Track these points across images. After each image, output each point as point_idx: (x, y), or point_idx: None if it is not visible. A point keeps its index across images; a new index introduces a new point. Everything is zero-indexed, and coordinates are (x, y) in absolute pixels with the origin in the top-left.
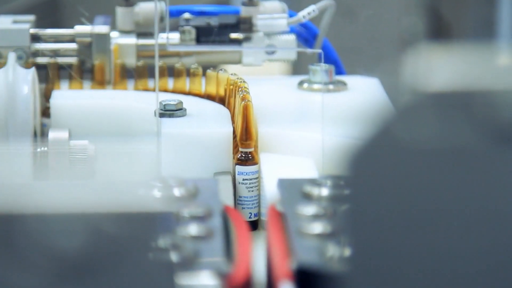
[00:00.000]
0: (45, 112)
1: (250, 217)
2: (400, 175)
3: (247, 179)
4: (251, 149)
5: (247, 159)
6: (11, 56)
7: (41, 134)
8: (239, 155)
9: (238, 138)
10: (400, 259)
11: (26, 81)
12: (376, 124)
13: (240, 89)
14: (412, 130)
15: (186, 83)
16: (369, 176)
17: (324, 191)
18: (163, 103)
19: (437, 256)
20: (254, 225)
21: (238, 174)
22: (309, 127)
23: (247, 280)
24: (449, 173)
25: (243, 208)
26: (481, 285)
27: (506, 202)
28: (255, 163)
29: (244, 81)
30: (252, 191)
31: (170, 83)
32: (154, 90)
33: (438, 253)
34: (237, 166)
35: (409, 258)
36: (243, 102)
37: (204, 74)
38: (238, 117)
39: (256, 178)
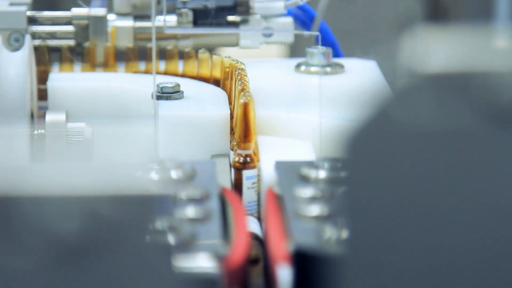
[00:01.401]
0: (42, 94)
1: None
2: (397, 158)
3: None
4: (250, 151)
5: (245, 162)
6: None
7: (38, 116)
8: (237, 158)
9: (236, 138)
10: (397, 241)
11: (17, 64)
12: (374, 106)
13: (239, 78)
14: (410, 112)
15: (178, 65)
16: (367, 158)
17: (322, 174)
18: (160, 86)
19: (435, 239)
20: None
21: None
22: (307, 109)
23: (244, 262)
24: (447, 155)
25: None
26: (479, 269)
27: (504, 184)
28: (254, 166)
29: (241, 63)
30: (256, 194)
31: (161, 65)
32: (144, 72)
33: (435, 236)
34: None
35: (406, 241)
36: (242, 100)
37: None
38: (238, 117)
39: (255, 182)
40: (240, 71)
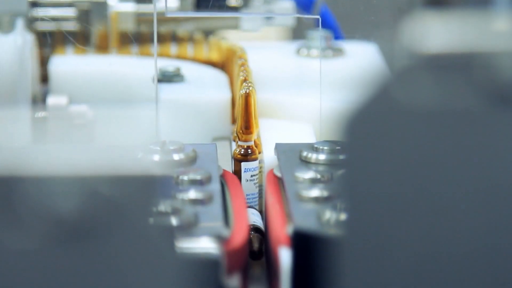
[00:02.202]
0: (43, 78)
1: None
2: (397, 139)
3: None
4: (251, 143)
5: (246, 154)
6: (20, 22)
7: (39, 99)
8: (238, 149)
9: (237, 129)
10: (396, 223)
11: (14, 47)
12: (373, 88)
13: (241, 69)
14: (410, 93)
15: (187, 50)
16: (366, 140)
17: (322, 156)
18: (161, 69)
19: (435, 221)
20: None
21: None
22: (307, 92)
23: (245, 245)
24: (447, 135)
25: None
26: (480, 251)
27: (506, 164)
28: (255, 158)
29: (239, 46)
30: (256, 187)
31: (173, 49)
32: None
33: (435, 218)
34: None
35: (406, 222)
36: (244, 91)
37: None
38: (239, 108)
39: (257, 174)
40: (242, 61)
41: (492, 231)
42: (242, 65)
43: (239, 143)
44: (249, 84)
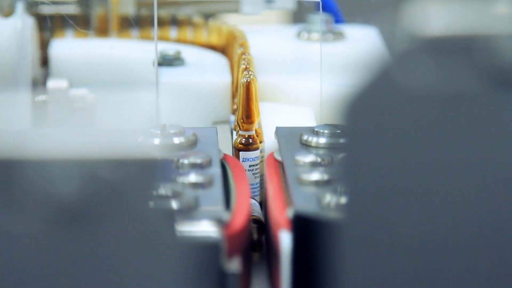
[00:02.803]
0: (43, 61)
1: None
2: (398, 122)
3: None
4: (252, 132)
5: (247, 144)
6: (20, 6)
7: (40, 83)
8: (239, 139)
9: (238, 118)
10: (396, 206)
11: (14, 31)
12: (374, 71)
13: (242, 58)
14: (410, 76)
15: (187, 33)
16: (367, 123)
17: (322, 140)
18: (162, 53)
19: (435, 204)
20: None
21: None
22: (308, 76)
23: (246, 229)
24: (448, 118)
25: None
26: (480, 234)
27: (506, 147)
28: (256, 148)
29: (241, 32)
30: (256, 177)
31: (173, 32)
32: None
33: (435, 202)
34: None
35: (406, 206)
36: (244, 80)
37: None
38: (240, 97)
39: (258, 164)
40: (243, 50)
41: (493, 214)
42: (243, 53)
43: (240, 132)
44: (250, 73)
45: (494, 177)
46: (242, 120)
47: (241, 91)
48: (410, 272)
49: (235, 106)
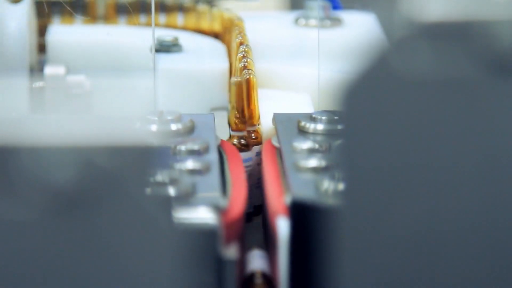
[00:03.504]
0: (41, 47)
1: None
2: (396, 108)
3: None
4: (243, 133)
5: (241, 145)
6: None
7: (37, 69)
8: (234, 140)
9: (232, 117)
10: (394, 193)
11: (15, 17)
12: (371, 57)
13: (243, 55)
14: (408, 62)
15: (177, 19)
16: (365, 109)
17: (320, 126)
18: (159, 39)
19: (434, 190)
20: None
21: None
22: (305, 63)
23: (242, 216)
24: (446, 104)
25: None
26: (479, 222)
27: (504, 133)
28: (248, 150)
29: (239, 18)
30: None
31: (162, 18)
32: (146, 25)
33: (434, 188)
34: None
35: (404, 192)
36: (244, 77)
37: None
38: (234, 95)
39: (249, 165)
40: (244, 47)
41: (490, 198)
42: (243, 51)
43: (232, 133)
44: (250, 72)
45: (492, 162)
46: (236, 120)
47: (233, 90)
48: (407, 258)
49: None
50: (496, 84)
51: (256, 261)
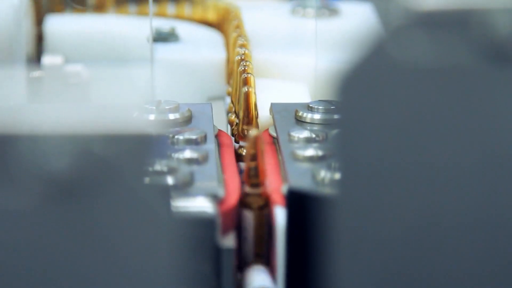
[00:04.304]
0: (38, 37)
1: None
2: (393, 97)
3: None
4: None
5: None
6: None
7: (35, 59)
8: (240, 149)
9: (239, 127)
10: (391, 182)
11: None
12: (369, 47)
13: (242, 63)
14: (406, 51)
15: (185, 9)
16: (362, 99)
17: (317, 116)
18: (157, 29)
19: (430, 179)
20: None
21: None
22: (302, 52)
23: (237, 205)
24: (443, 93)
25: None
26: (478, 210)
27: (502, 121)
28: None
29: (236, 8)
30: None
31: (171, 8)
32: (136, 15)
33: (431, 177)
34: None
35: (400, 181)
36: (242, 76)
37: None
38: (241, 103)
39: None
40: (244, 56)
41: (487, 184)
42: (244, 56)
43: (241, 143)
44: (247, 63)
45: (489, 151)
46: (243, 131)
47: (241, 100)
48: (403, 246)
49: (229, 89)
50: (493, 72)
51: (257, 277)
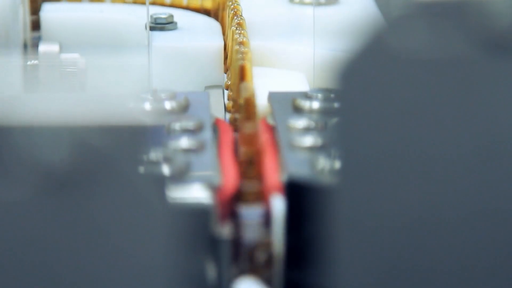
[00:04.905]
0: (35, 25)
1: None
2: (391, 86)
3: None
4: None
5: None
6: None
7: (31, 47)
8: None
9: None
10: (390, 171)
11: None
12: (367, 35)
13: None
14: (405, 40)
15: None
16: (361, 88)
17: (315, 104)
18: (154, 17)
19: (430, 169)
20: None
21: None
22: (300, 40)
23: (234, 194)
24: (442, 82)
25: None
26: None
27: (499, 111)
28: None
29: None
30: None
31: None
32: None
33: (430, 167)
34: None
35: (399, 170)
36: (239, 62)
37: None
38: (235, 82)
39: None
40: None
41: (485, 174)
42: (239, 25)
43: (235, 115)
44: (244, 49)
45: (488, 140)
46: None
47: (236, 75)
48: (402, 236)
49: (228, 82)
50: (492, 63)
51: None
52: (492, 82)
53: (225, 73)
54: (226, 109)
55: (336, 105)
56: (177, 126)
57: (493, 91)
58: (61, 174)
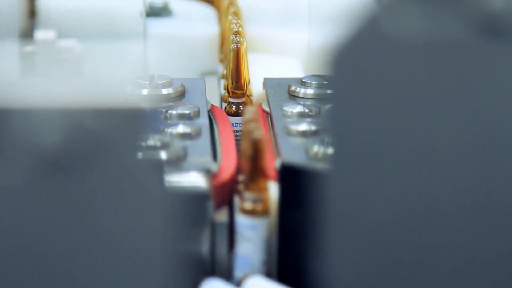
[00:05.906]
0: (31, 12)
1: None
2: (386, 71)
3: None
4: (242, 99)
5: (238, 110)
6: None
7: (28, 34)
8: (230, 106)
9: (228, 85)
10: (383, 157)
11: None
12: (362, 21)
13: (234, 20)
14: (399, 25)
15: None
16: (355, 73)
17: (310, 91)
18: (149, 4)
19: (423, 154)
20: None
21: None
22: (296, 27)
23: (233, 179)
24: (436, 66)
25: None
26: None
27: (494, 94)
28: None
29: None
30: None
31: None
32: None
33: (424, 151)
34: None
35: (393, 155)
36: (235, 46)
37: None
38: (229, 63)
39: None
40: (235, 8)
41: (480, 157)
42: (235, 14)
43: (230, 99)
44: (240, 39)
45: (483, 124)
46: (232, 88)
47: (230, 57)
48: (395, 221)
49: (222, 56)
50: (487, 46)
51: None
52: (487, 65)
53: (221, 62)
54: (222, 99)
55: (330, 91)
56: (173, 112)
57: (488, 74)
58: (58, 157)
